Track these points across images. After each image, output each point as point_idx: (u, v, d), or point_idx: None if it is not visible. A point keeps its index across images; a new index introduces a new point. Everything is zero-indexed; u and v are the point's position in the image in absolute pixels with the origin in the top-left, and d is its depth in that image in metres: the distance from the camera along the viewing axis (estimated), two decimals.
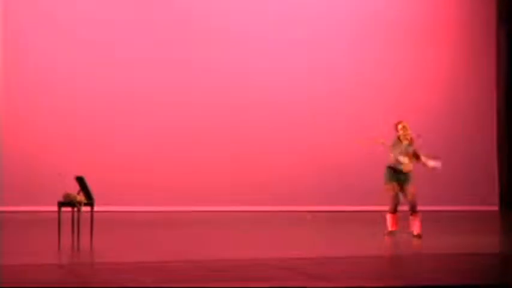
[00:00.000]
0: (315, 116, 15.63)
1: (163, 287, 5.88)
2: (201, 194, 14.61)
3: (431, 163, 10.01)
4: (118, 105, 14.53)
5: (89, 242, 8.57)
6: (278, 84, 15.43)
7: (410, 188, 10.03)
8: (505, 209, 16.58)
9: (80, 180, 8.72)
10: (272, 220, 13.09)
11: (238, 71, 15.25)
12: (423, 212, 10.17)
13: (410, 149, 10.08)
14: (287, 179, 15.15)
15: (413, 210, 9.99)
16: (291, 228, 11.92)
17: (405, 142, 10.10)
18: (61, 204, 8.63)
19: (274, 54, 15.47)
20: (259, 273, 6.63)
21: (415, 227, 9.97)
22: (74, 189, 8.75)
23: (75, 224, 8.63)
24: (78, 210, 8.60)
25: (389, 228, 10.16)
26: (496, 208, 16.62)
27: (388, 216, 10.19)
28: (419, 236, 9.86)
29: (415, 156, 10.04)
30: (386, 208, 10.19)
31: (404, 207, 10.19)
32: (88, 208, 8.65)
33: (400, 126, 10.17)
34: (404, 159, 9.96)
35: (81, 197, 8.64)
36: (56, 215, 8.59)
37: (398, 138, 10.14)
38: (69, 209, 8.68)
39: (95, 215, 8.67)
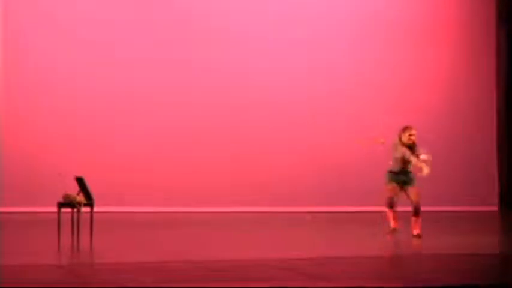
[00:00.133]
0: (315, 116, 15.62)
1: (163, 287, 5.88)
2: (201, 194, 14.61)
3: (426, 171, 9.83)
4: (118, 105, 14.53)
5: (88, 243, 8.57)
6: (278, 84, 15.43)
7: (413, 189, 9.99)
8: (505, 209, 16.56)
9: (80, 181, 8.73)
10: (272, 221, 13.09)
11: (238, 71, 15.24)
12: (423, 212, 10.14)
13: (414, 152, 9.97)
14: (287, 180, 15.14)
15: (416, 213, 9.93)
16: (291, 229, 11.91)
17: (409, 144, 9.96)
18: (61, 205, 8.64)
19: (274, 54, 15.46)
20: (259, 274, 6.62)
21: (415, 227, 9.95)
22: (73, 189, 8.75)
23: (75, 224, 8.64)
24: (78, 211, 8.61)
25: (392, 225, 10.07)
26: (495, 208, 16.60)
27: (388, 213, 10.09)
28: (419, 236, 9.84)
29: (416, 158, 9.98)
30: (386, 208, 10.15)
31: (403, 207, 10.18)
32: (88, 209, 8.65)
33: (408, 134, 9.95)
34: (413, 158, 9.84)
35: (80, 198, 8.65)
36: (56, 215, 8.60)
37: (401, 140, 10.04)
38: (68, 209, 8.68)
39: (94, 215, 8.67)
